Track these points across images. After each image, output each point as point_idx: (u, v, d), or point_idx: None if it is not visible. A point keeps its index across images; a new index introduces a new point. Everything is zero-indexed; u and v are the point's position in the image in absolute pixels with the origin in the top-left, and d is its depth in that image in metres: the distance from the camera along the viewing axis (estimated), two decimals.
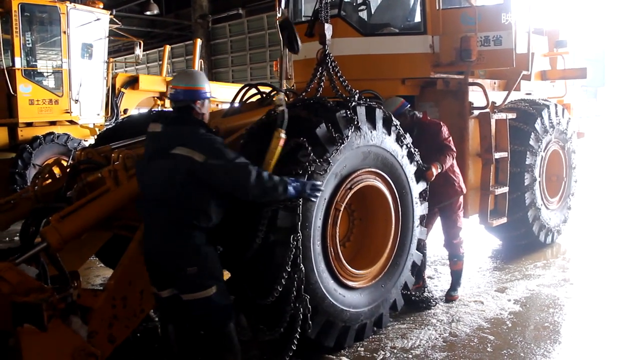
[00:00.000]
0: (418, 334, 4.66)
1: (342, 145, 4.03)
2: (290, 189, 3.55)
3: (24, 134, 10.41)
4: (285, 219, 3.76)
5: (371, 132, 4.34)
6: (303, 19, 6.73)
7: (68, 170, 4.56)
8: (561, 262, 6.66)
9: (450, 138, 5.35)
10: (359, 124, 4.20)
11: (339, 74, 4.67)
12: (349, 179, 4.23)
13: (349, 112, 4.16)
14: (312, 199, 3.79)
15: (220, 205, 3.51)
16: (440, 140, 5.29)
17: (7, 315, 3.21)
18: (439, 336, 4.61)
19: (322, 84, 4.68)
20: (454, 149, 5.32)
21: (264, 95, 5.72)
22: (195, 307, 3.50)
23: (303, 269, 3.83)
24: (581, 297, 5.52)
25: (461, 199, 5.44)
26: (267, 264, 3.77)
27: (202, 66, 14.71)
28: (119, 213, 4.12)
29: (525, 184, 6.53)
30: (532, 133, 6.57)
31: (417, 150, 4.87)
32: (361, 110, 4.29)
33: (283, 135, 3.75)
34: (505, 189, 6.34)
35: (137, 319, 3.84)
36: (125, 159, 4.09)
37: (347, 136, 4.05)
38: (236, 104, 5.33)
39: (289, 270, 3.77)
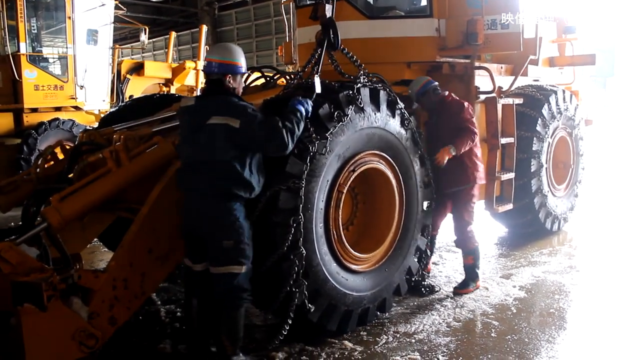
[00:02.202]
0: (422, 319, 4.62)
1: (343, 123, 3.98)
2: (303, 110, 3.71)
3: (29, 119, 10.44)
4: (287, 201, 3.73)
5: (375, 113, 4.29)
6: (308, 2, 6.65)
7: (70, 151, 4.53)
8: (567, 250, 6.60)
9: (473, 120, 5.10)
10: (362, 104, 4.15)
11: (344, 51, 4.58)
12: (352, 161, 4.19)
13: (351, 92, 4.10)
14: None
15: (259, 172, 3.61)
16: (461, 120, 5.03)
17: (8, 296, 3.21)
18: (443, 321, 4.57)
19: (319, 65, 4.64)
20: (475, 132, 5.02)
21: (268, 79, 5.69)
22: (220, 281, 3.59)
23: (304, 251, 3.79)
24: (587, 284, 5.47)
25: (475, 189, 5.17)
26: (268, 245, 3.74)
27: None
28: (122, 195, 4.10)
29: (532, 171, 6.46)
30: (539, 119, 6.49)
31: (423, 132, 4.82)
32: (365, 92, 4.24)
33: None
34: (511, 175, 6.27)
35: (138, 301, 3.81)
36: (127, 140, 4.06)
37: (347, 114, 4.00)
38: None
39: (289, 252, 3.74)
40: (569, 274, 5.68)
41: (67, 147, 5.22)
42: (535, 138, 6.45)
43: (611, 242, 6.86)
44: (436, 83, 5.27)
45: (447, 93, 5.28)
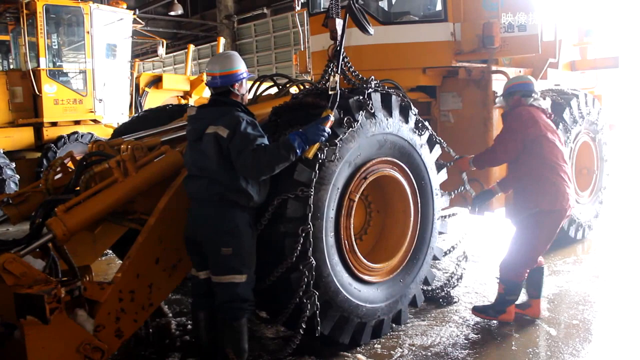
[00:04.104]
0: (439, 331, 4.46)
1: (354, 129, 3.87)
2: (296, 146, 3.44)
3: (49, 133, 10.54)
4: (295, 210, 3.62)
5: (387, 119, 4.17)
6: (322, 9, 6.60)
7: (78, 162, 4.49)
8: (592, 258, 6.36)
9: (504, 138, 4.46)
10: (373, 109, 4.03)
11: (351, 70, 4.42)
12: (364, 168, 4.06)
13: (361, 98, 3.99)
14: (322, 140, 3.58)
15: (258, 182, 3.51)
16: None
17: (12, 307, 3.16)
18: (461, 333, 4.41)
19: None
20: (496, 151, 4.50)
21: (280, 87, 5.63)
22: (220, 291, 3.53)
23: (313, 262, 3.67)
24: (613, 294, 5.24)
25: (544, 216, 4.41)
26: (276, 255, 3.64)
27: None
28: (131, 206, 4.04)
29: None
30: (560, 123, 6.29)
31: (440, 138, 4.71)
32: (376, 97, 4.13)
33: (332, 117, 3.65)
34: None
35: (145, 313, 3.75)
36: (134, 150, 4.00)
37: (357, 120, 3.89)
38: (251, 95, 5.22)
39: (298, 262, 3.63)
40: (593, 284, 5.47)
41: (78, 158, 5.19)
42: None
43: (638, 251, 6.60)
44: (530, 89, 4.64)
45: (518, 101, 4.64)
